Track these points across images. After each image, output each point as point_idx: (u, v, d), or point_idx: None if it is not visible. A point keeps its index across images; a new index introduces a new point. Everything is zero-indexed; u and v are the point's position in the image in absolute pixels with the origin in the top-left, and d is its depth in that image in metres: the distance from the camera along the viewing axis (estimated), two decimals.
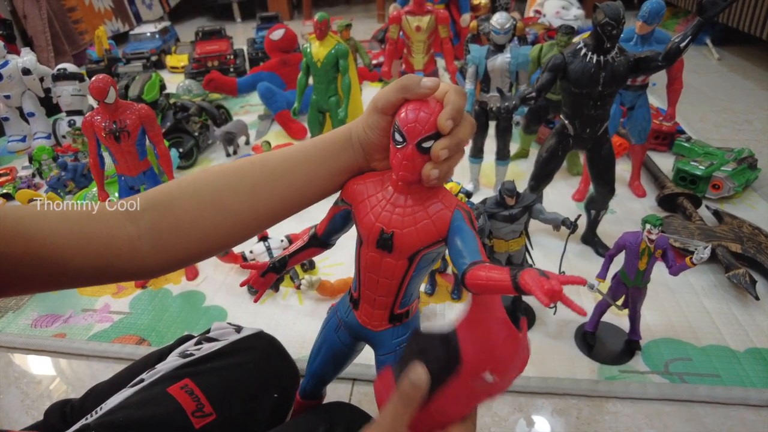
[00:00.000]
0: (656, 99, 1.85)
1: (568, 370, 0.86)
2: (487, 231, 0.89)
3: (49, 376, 0.96)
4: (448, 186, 0.95)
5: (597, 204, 1.12)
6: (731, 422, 0.78)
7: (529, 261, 0.94)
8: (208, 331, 0.68)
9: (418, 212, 0.45)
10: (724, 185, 1.28)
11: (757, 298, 0.96)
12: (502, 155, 1.34)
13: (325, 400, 0.69)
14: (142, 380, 0.59)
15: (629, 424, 0.79)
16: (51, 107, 2.01)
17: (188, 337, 0.69)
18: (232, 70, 2.56)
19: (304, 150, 0.48)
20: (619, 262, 0.85)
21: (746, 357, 0.87)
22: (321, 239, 0.55)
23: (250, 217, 0.46)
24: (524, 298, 0.98)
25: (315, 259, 1.19)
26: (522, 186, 1.08)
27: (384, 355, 0.55)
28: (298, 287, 1.10)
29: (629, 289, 0.84)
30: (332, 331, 0.58)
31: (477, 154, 1.38)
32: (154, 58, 2.81)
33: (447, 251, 0.45)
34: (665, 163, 1.45)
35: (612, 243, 0.85)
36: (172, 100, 1.84)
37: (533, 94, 0.97)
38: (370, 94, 2.04)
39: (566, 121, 1.02)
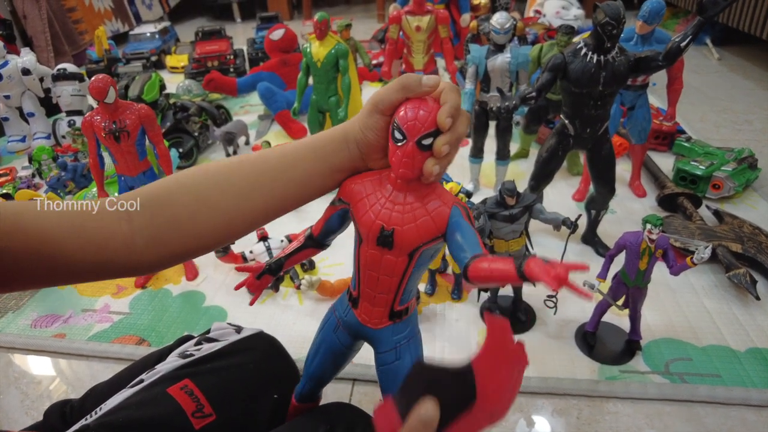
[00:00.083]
0: (656, 99, 1.84)
1: (569, 370, 0.86)
2: (488, 231, 0.89)
3: (48, 377, 0.96)
4: (448, 186, 0.95)
5: (597, 204, 1.12)
6: (732, 422, 0.78)
7: None
8: (208, 332, 0.68)
9: (417, 209, 0.45)
10: (724, 185, 1.28)
11: (757, 298, 0.96)
12: (502, 155, 1.34)
13: (326, 401, 0.68)
14: (141, 381, 0.59)
15: (629, 425, 0.79)
16: (51, 107, 2.01)
17: (188, 338, 0.69)
18: (232, 70, 2.56)
19: (303, 147, 0.48)
20: (619, 262, 0.85)
21: (747, 357, 0.87)
22: (317, 240, 0.55)
23: (248, 212, 0.46)
24: (524, 298, 0.98)
25: (315, 259, 1.19)
26: (522, 186, 1.08)
27: (384, 353, 0.54)
28: (298, 287, 1.10)
29: (630, 289, 0.84)
30: (331, 331, 0.58)
31: (477, 154, 1.38)
32: (153, 59, 2.81)
33: (447, 250, 0.45)
34: (665, 163, 1.45)
35: (612, 243, 0.85)
36: (171, 100, 1.84)
37: (533, 94, 0.97)
38: (369, 94, 2.02)
39: (566, 121, 1.01)
